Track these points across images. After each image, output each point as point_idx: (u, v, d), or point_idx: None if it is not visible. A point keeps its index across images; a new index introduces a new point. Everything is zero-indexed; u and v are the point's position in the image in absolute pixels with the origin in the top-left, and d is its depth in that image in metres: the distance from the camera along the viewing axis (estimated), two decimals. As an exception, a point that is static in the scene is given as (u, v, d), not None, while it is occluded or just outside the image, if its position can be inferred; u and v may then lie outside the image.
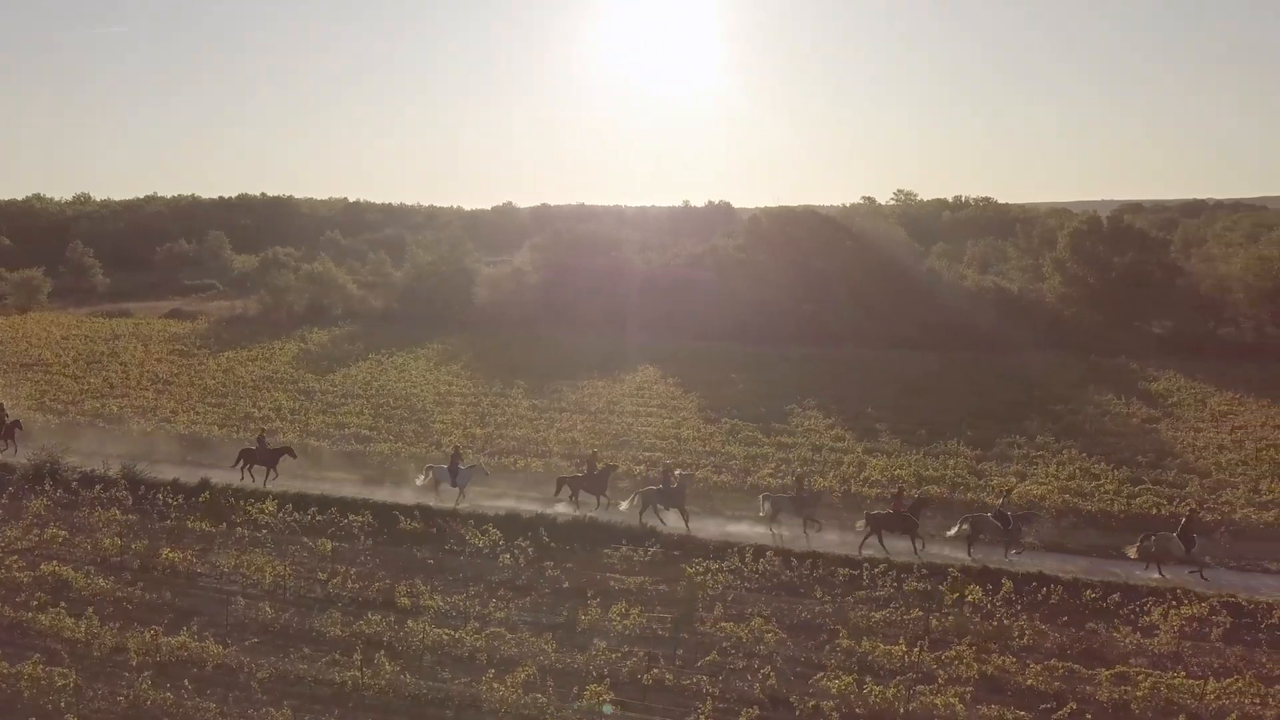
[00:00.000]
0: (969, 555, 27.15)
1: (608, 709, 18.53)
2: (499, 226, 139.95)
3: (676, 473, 30.82)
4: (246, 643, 20.95)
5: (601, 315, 68.42)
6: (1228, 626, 22.17)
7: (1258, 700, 18.66)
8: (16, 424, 37.39)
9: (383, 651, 19.99)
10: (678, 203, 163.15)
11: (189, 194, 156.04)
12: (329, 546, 26.30)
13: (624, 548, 26.47)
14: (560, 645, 20.74)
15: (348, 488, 32.69)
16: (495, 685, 18.65)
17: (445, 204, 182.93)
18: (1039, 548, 27.84)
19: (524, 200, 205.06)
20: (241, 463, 33.55)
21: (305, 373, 52.96)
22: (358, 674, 19.25)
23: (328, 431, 39.85)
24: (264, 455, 33.53)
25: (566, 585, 24.40)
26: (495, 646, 20.59)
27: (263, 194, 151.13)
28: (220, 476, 32.62)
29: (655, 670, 19.86)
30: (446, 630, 21.12)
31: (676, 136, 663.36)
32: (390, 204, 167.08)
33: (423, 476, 32.62)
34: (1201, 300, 65.95)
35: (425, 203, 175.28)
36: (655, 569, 25.21)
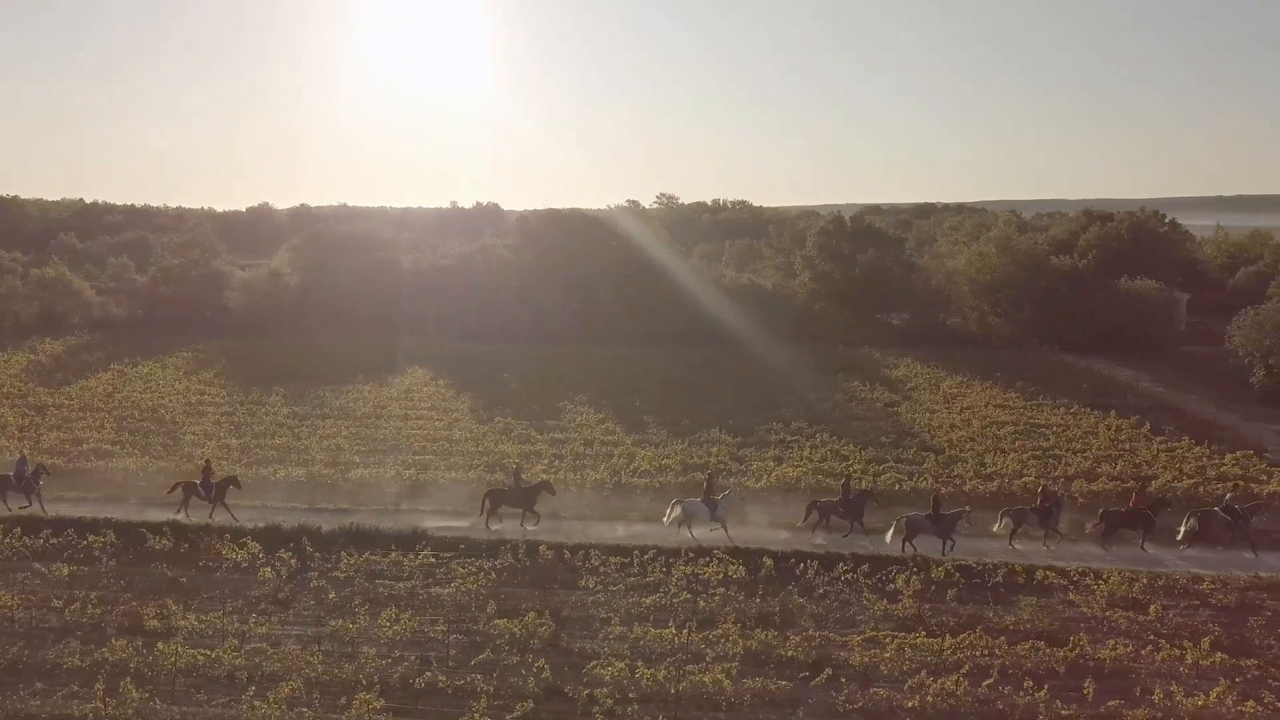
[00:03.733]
0: (1186, 549, 27.51)
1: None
2: (255, 228, 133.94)
3: (967, 512, 28.48)
4: (-33, 682, 18.99)
5: (367, 318, 66.50)
6: (961, 587, 24.36)
7: (987, 652, 20.59)
8: (233, 480, 30.50)
9: (129, 679, 18.64)
10: (445, 204, 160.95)
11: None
12: (66, 571, 24.29)
13: (393, 553, 25.91)
14: (328, 657, 20.08)
15: (86, 507, 30.16)
16: (257, 703, 17.84)
17: (194, 205, 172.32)
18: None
19: (281, 201, 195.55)
20: (488, 505, 29.34)
21: (36, 386, 48.48)
22: (100, 705, 17.87)
23: (63, 448, 36.64)
24: (519, 497, 29.63)
25: (333, 595, 23.54)
26: (257, 664, 19.65)
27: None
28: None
29: (428, 673, 19.59)
30: (202, 651, 19.93)
31: (443, 138, 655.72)
32: (133, 205, 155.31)
33: (671, 512, 28.87)
34: (932, 294, 72.22)
35: (173, 204, 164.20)
36: (427, 572, 24.79)
